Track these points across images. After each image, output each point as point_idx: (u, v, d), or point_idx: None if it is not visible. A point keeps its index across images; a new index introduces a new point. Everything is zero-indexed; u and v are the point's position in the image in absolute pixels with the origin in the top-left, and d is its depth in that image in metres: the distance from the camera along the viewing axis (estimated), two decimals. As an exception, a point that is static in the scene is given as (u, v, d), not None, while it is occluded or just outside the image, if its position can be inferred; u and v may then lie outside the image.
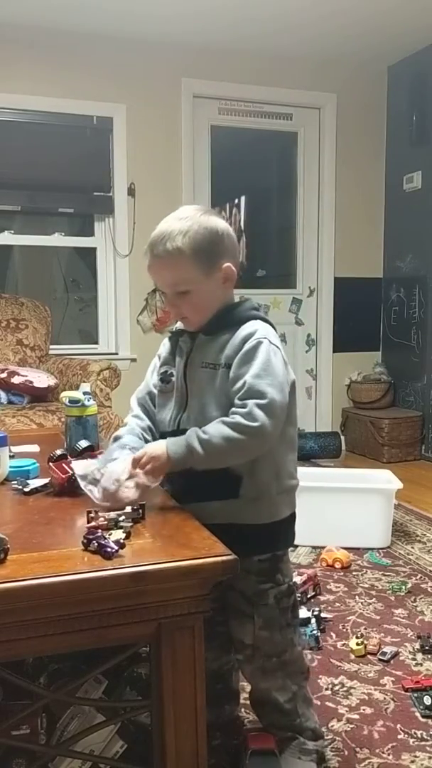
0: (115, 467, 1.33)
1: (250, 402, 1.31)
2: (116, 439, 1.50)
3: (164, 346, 1.55)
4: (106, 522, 1.19)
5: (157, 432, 1.51)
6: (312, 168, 4.73)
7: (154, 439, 1.48)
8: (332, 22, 3.95)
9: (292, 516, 1.48)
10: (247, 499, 1.38)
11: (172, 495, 1.43)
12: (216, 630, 1.52)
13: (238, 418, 1.31)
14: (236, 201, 4.89)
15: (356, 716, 1.72)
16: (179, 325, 1.50)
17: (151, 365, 1.58)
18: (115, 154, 4.24)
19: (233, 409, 1.33)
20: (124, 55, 4.17)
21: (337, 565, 2.64)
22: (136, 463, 1.32)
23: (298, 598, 1.72)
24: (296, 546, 2.78)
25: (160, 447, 1.33)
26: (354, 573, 2.62)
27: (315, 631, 2.06)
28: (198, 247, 1.36)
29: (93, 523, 1.19)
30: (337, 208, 4.73)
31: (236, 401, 1.34)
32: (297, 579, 2.24)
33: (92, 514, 1.21)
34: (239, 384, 1.34)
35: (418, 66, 4.43)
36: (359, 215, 4.79)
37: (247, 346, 1.36)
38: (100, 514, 1.21)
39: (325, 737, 1.60)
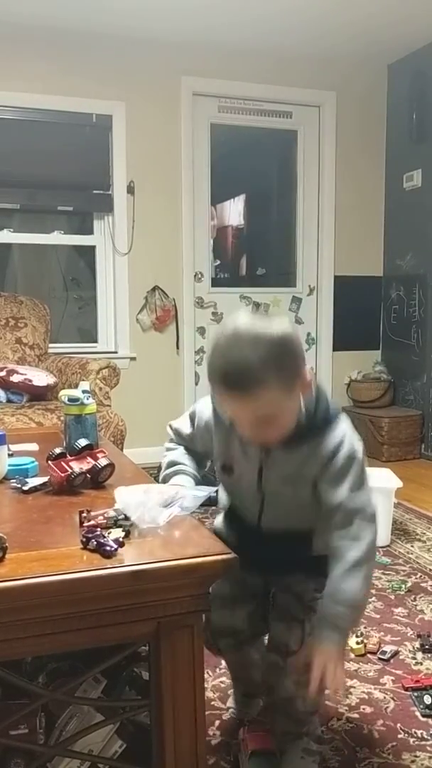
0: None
1: (357, 520, 1.30)
2: (171, 464, 1.47)
3: (214, 432, 1.40)
4: (105, 521, 1.18)
5: (202, 464, 1.51)
6: (312, 166, 4.72)
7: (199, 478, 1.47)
8: (332, 19, 3.94)
9: None
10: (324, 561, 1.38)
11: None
12: (257, 638, 1.56)
13: (347, 550, 1.29)
14: (236, 199, 4.89)
15: (356, 715, 1.72)
16: None
17: (188, 418, 1.48)
18: (115, 152, 4.23)
19: (339, 534, 1.30)
20: (124, 53, 4.16)
21: (337, 564, 2.64)
22: (301, 670, 1.27)
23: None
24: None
25: (324, 650, 1.26)
26: (354, 572, 2.61)
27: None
28: (280, 372, 1.18)
29: (86, 524, 1.18)
30: (337, 207, 4.72)
31: (336, 521, 1.31)
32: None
33: (84, 514, 1.21)
34: (334, 506, 1.30)
35: (418, 64, 4.42)
36: (359, 213, 4.78)
37: (338, 462, 1.30)
38: (93, 513, 1.20)
39: (327, 741, 1.59)
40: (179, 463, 1.47)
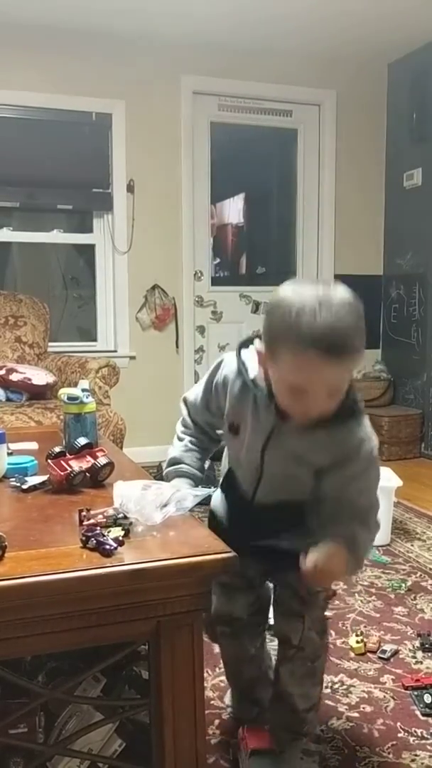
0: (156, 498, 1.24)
1: (371, 516, 1.33)
2: (173, 463, 1.47)
3: (230, 387, 1.36)
4: (105, 520, 1.18)
5: (208, 454, 1.51)
6: (312, 165, 4.71)
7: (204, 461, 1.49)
8: (333, 18, 3.93)
9: None
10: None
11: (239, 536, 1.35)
12: (257, 629, 1.57)
13: (364, 533, 1.31)
14: (235, 198, 4.88)
15: (356, 714, 1.71)
16: (254, 374, 1.30)
17: (205, 383, 1.46)
18: (114, 151, 4.22)
19: (349, 521, 1.30)
20: (124, 52, 4.15)
21: (337, 563, 2.63)
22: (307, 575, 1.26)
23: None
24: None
25: (339, 564, 1.26)
26: (353, 571, 2.61)
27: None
28: (364, 341, 1.17)
29: (86, 522, 1.18)
30: (337, 206, 4.71)
31: (345, 513, 1.31)
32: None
33: (84, 513, 1.20)
34: (346, 499, 1.30)
35: (419, 63, 4.41)
36: (359, 212, 4.78)
37: (359, 460, 1.29)
38: (92, 512, 1.20)
39: (326, 740, 1.60)
40: (181, 463, 1.47)
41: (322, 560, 1.23)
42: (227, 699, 1.72)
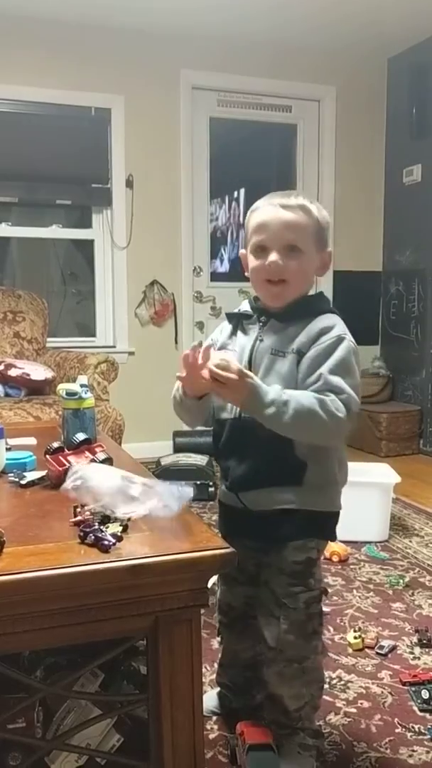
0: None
1: (331, 395, 1.30)
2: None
3: (221, 329, 1.53)
4: (92, 516, 1.17)
5: (211, 417, 1.50)
6: (311, 160, 4.70)
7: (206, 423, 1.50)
8: (332, 13, 3.92)
9: (339, 510, 1.48)
10: (310, 486, 1.38)
11: (229, 486, 1.44)
12: (252, 623, 1.54)
13: (328, 402, 1.28)
14: (235, 194, 4.87)
15: (354, 710, 1.72)
16: (244, 306, 1.50)
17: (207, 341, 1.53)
18: (114, 146, 4.21)
19: (315, 395, 1.29)
20: (123, 46, 4.14)
21: (335, 559, 2.64)
22: (217, 368, 1.27)
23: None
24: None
25: (241, 387, 1.27)
26: (352, 566, 2.62)
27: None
28: (320, 222, 1.41)
29: (79, 518, 1.18)
30: (337, 201, 4.71)
31: (312, 387, 1.31)
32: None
33: (79, 509, 1.20)
34: (314, 377, 1.32)
35: (419, 58, 4.40)
36: (358, 208, 4.77)
37: (326, 339, 1.34)
38: (86, 509, 1.20)
39: (324, 735, 1.60)
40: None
41: (224, 363, 1.28)
42: (206, 698, 1.68)
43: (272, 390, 1.29)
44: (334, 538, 1.52)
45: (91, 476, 1.23)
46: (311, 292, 1.47)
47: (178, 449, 3.80)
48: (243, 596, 1.55)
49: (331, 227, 1.47)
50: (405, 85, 4.51)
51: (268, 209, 1.40)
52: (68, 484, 1.24)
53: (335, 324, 1.37)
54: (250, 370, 1.35)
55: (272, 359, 1.38)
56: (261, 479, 1.39)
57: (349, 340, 1.35)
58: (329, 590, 2.39)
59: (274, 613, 1.44)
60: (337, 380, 1.30)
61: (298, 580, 1.42)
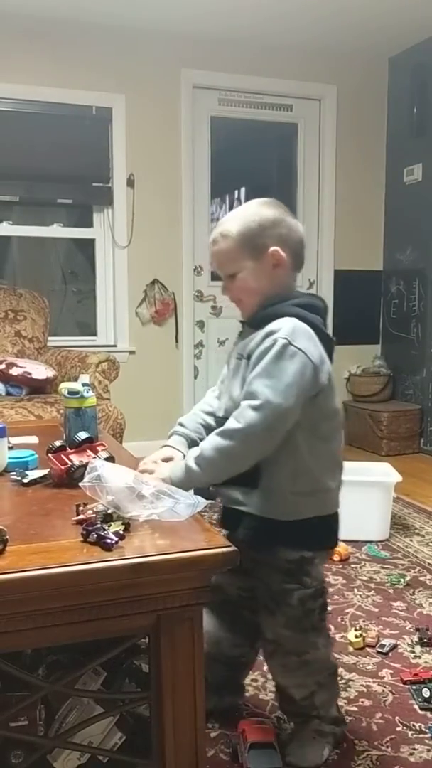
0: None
1: (244, 403, 1.32)
2: (178, 425, 1.56)
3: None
4: (95, 515, 1.17)
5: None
6: (312, 159, 4.70)
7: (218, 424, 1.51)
8: (333, 12, 3.92)
9: (322, 519, 1.43)
10: (264, 491, 1.38)
11: None
12: (244, 617, 1.54)
13: (228, 423, 1.33)
14: (236, 193, 4.87)
15: (355, 708, 1.72)
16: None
17: None
18: (115, 145, 4.21)
19: (217, 431, 1.36)
20: (124, 45, 4.14)
21: (336, 558, 2.64)
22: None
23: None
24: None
25: (165, 471, 1.38)
26: (353, 565, 2.62)
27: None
28: (246, 231, 1.42)
29: (81, 516, 1.18)
30: (337, 200, 4.71)
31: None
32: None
33: (81, 508, 1.20)
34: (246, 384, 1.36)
35: (420, 57, 4.40)
36: (359, 207, 4.77)
37: (263, 345, 1.35)
38: (89, 507, 1.20)
39: (345, 722, 1.60)
40: (180, 425, 1.56)
41: (150, 461, 1.42)
42: None
43: (184, 465, 1.36)
44: (320, 548, 1.47)
45: (107, 476, 1.22)
46: (304, 289, 1.52)
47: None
48: (236, 586, 1.53)
49: (274, 224, 1.44)
50: (406, 85, 4.51)
51: (210, 248, 1.50)
52: (85, 480, 1.23)
53: (280, 327, 1.35)
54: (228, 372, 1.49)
55: (237, 363, 1.45)
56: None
57: (286, 343, 1.32)
58: (330, 589, 2.39)
59: (270, 606, 1.44)
60: (254, 386, 1.32)
61: (291, 578, 1.43)
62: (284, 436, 1.33)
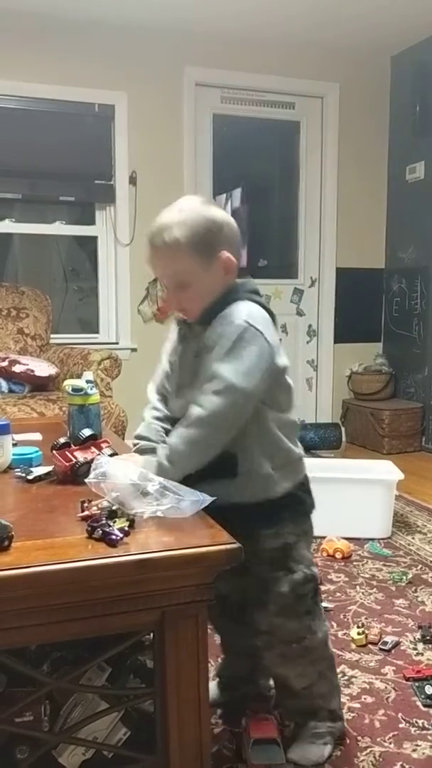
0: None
1: (207, 387, 1.31)
2: (138, 439, 1.52)
3: (173, 332, 1.53)
4: (99, 512, 1.18)
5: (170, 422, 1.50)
6: (314, 158, 4.70)
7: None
8: (336, 10, 3.92)
9: (297, 487, 1.44)
10: (244, 475, 1.38)
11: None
12: (247, 610, 1.53)
13: (191, 410, 1.31)
14: (238, 190, 4.87)
15: (357, 705, 1.73)
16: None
17: (163, 350, 1.57)
18: (117, 142, 4.21)
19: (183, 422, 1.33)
20: (126, 43, 4.13)
21: (338, 555, 2.65)
22: None
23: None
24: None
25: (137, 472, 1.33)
26: (355, 563, 2.62)
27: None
28: (196, 238, 1.34)
29: (86, 513, 1.18)
30: (340, 198, 4.71)
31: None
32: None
33: (86, 504, 1.21)
34: (209, 372, 1.33)
35: (422, 56, 4.40)
36: (361, 205, 4.77)
37: (222, 328, 1.34)
38: (93, 503, 1.21)
39: (343, 718, 1.61)
40: (143, 439, 1.50)
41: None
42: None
43: (156, 463, 1.32)
44: (300, 519, 1.47)
45: (112, 472, 1.22)
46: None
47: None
48: (231, 585, 1.50)
49: (220, 227, 1.38)
50: (408, 83, 4.50)
51: (148, 253, 1.38)
52: (90, 477, 1.24)
53: (233, 311, 1.35)
54: (180, 375, 1.45)
55: (195, 361, 1.40)
56: (202, 472, 1.37)
57: (246, 324, 1.32)
58: (332, 587, 2.40)
59: (262, 598, 1.44)
60: (216, 368, 1.31)
61: (278, 566, 1.43)
62: (249, 416, 1.33)
